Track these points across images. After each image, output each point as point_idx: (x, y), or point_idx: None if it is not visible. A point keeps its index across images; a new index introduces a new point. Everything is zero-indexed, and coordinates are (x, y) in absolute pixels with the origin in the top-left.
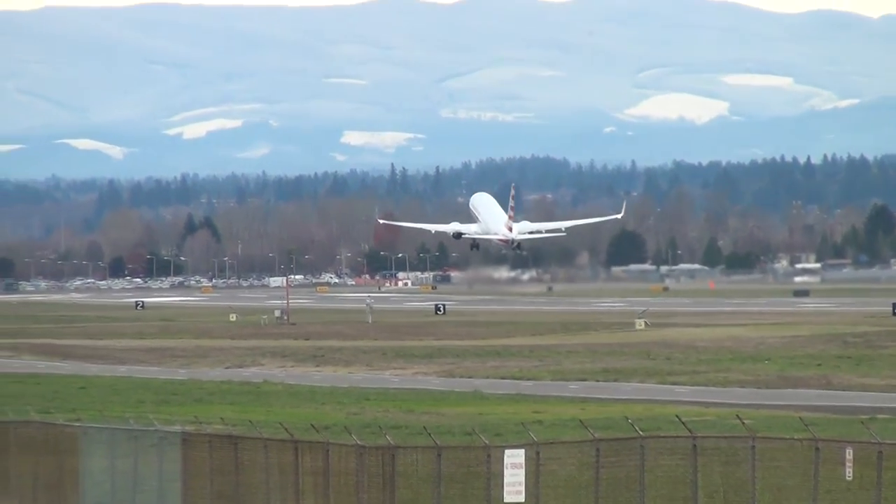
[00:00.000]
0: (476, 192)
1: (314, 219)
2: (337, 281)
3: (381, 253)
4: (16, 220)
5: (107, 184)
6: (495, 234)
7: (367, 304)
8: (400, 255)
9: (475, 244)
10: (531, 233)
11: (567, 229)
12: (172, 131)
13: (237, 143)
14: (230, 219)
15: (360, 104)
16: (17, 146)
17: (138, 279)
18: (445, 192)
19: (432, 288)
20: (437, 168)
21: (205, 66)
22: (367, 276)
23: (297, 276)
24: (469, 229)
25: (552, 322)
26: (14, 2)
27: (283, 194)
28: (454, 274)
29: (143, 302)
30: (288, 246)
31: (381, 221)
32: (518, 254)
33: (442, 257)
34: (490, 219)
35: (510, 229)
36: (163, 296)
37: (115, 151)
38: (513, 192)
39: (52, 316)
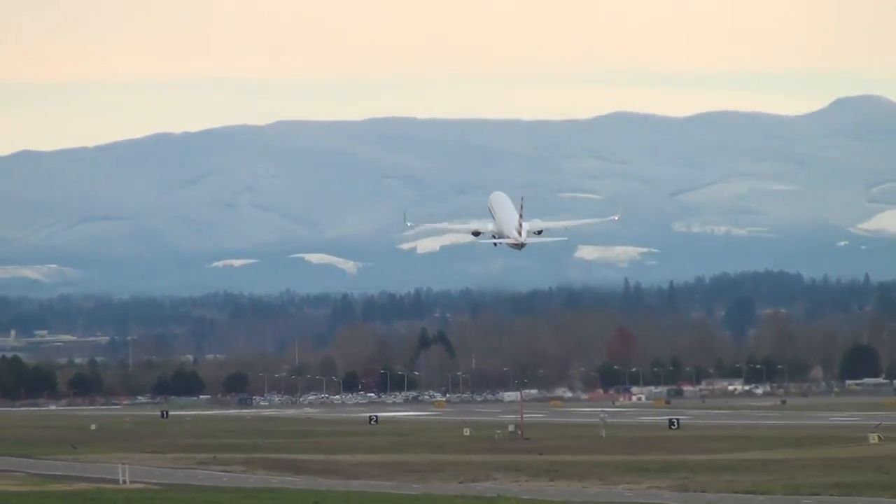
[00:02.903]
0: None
1: (547, 333)
2: (570, 395)
3: (615, 367)
4: (250, 335)
5: (340, 298)
6: (508, 236)
7: (600, 419)
8: (633, 368)
9: (496, 242)
10: (538, 232)
11: (569, 229)
12: (406, 245)
13: (471, 257)
14: (464, 333)
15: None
16: (251, 260)
17: (372, 393)
18: (680, 306)
19: (666, 402)
20: (671, 282)
21: (439, 179)
22: (600, 390)
23: (530, 391)
24: (486, 227)
25: (785, 436)
26: (247, 116)
27: (516, 309)
28: (687, 388)
29: (376, 416)
30: (522, 360)
31: (409, 224)
32: (751, 367)
33: (676, 371)
34: (504, 218)
35: (520, 232)
36: (396, 410)
37: (349, 266)
38: (522, 202)
39: (285, 431)
